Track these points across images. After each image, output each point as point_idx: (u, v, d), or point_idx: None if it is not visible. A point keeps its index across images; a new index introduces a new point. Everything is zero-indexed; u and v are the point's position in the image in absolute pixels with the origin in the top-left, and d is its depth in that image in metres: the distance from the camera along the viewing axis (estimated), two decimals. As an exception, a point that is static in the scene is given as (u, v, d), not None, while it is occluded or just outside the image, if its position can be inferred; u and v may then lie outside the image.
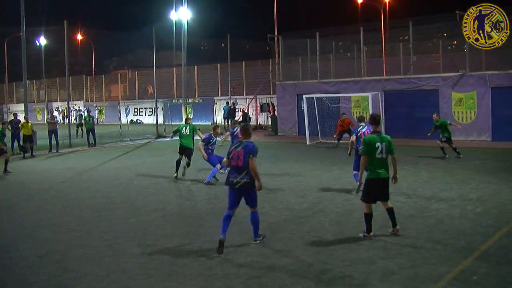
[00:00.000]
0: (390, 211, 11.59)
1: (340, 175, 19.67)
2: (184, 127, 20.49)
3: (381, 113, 30.91)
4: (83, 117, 39.17)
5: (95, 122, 35.41)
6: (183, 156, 20.25)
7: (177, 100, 56.01)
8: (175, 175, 19.99)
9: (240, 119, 46.03)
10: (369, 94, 30.90)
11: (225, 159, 11.93)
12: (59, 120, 48.68)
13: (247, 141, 11.42)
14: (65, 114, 59.53)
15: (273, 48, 44.62)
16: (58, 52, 76.39)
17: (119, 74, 75.08)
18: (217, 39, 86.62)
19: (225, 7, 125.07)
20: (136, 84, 67.08)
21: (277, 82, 40.86)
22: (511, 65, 30.65)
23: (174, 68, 60.92)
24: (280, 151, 27.91)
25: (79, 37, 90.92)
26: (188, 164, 20.16)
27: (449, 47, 41.24)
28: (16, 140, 30.87)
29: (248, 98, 49.51)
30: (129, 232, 12.47)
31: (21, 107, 52.53)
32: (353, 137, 16.98)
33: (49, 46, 76.22)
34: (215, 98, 53.34)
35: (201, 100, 55.68)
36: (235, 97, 51.00)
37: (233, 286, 8.97)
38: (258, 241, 11.41)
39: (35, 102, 76.66)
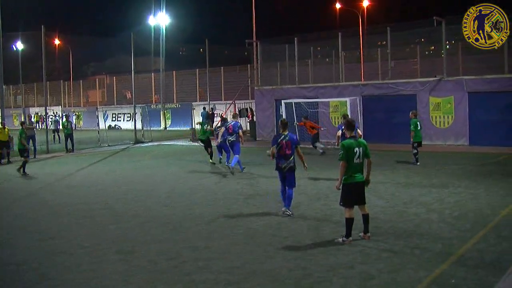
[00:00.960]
0: (366, 217, 11.70)
1: (318, 179, 19.73)
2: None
3: (359, 118, 31.13)
4: (61, 123, 39.00)
5: (73, 128, 35.22)
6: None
7: (156, 106, 55.87)
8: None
9: (219, 124, 46.07)
10: (347, 99, 31.00)
11: (272, 149, 14.28)
12: (37, 126, 48.28)
13: (290, 133, 14.41)
14: (36, 120, 59.20)
15: (251, 53, 44.77)
16: (36, 57, 75.88)
17: (97, 80, 74.73)
18: (196, 45, 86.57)
19: (203, 12, 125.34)
20: (114, 89, 66.85)
21: (255, 87, 40.89)
22: (488, 70, 30.91)
23: (153, 74, 60.80)
24: (260, 157, 27.90)
25: (57, 42, 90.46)
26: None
27: (426, 52, 41.57)
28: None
29: (227, 103, 49.50)
30: (108, 238, 12.42)
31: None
32: (339, 132, 18.91)
33: (26, 51, 75.76)
34: (193, 103, 53.25)
35: (179, 106, 55.60)
36: (214, 102, 50.97)
37: (213, 292, 8.97)
38: (288, 213, 14.09)
39: (12, 107, 76.10)
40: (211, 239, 12.09)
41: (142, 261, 10.72)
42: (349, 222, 11.48)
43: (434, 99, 31.46)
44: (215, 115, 48.01)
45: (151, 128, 43.75)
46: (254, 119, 40.86)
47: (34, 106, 71.84)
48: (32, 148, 31.27)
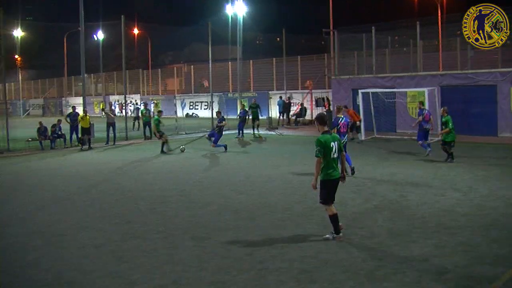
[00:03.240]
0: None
1: (393, 171, 19.50)
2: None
3: (436, 109, 30.54)
4: (140, 111, 39.75)
5: (151, 116, 35.79)
6: None
7: (233, 94, 56.22)
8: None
9: (297, 111, 46.14)
10: (425, 89, 30.51)
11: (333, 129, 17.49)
12: (116, 113, 49.26)
13: (343, 116, 19.00)
14: (102, 107, 60.62)
15: (328, 42, 44.46)
16: (115, 46, 77.49)
17: (175, 68, 75.70)
18: (273, 34, 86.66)
19: (280, 1, 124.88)
20: (192, 78, 67.52)
21: (332, 77, 40.68)
22: None
23: (230, 62, 61.11)
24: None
25: (136, 31, 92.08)
26: None
27: (508, 41, 40.39)
28: (74, 132, 31.57)
29: (303, 92, 49.40)
30: (183, 224, 12.61)
31: (79, 100, 53.58)
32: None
33: (107, 40, 77.37)
34: (270, 92, 53.35)
35: (256, 94, 55.77)
36: (290, 91, 50.93)
37: (284, 281, 8.99)
38: (353, 168, 18.56)
39: (93, 95, 77.96)
40: (285, 228, 12.12)
41: (216, 247, 10.84)
42: (334, 218, 11.17)
43: (516, 89, 30.61)
44: (292, 104, 47.94)
45: (228, 117, 44.05)
46: (331, 109, 40.65)
47: (114, 94, 73.35)
48: (112, 135, 32.07)
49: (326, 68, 47.15)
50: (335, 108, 20.64)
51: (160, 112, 30.72)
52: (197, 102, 62.22)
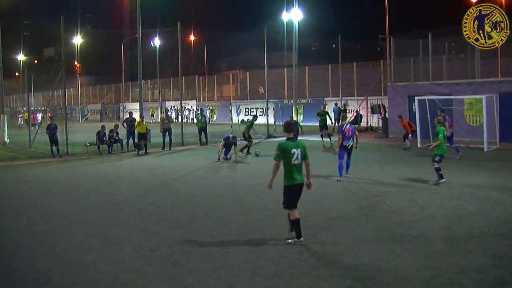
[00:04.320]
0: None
1: (449, 180, 19.20)
2: None
3: (495, 116, 30.02)
4: (196, 116, 40.08)
5: (207, 121, 36.07)
6: None
7: (288, 101, 56.24)
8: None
9: (353, 119, 45.92)
10: (483, 97, 29.98)
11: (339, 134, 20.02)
12: (173, 119, 49.77)
13: (349, 123, 20.21)
14: (151, 113, 61.22)
15: (384, 48, 44.08)
16: (172, 52, 78.41)
17: (230, 74, 76.11)
18: (328, 40, 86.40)
19: (336, 7, 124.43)
20: (248, 84, 67.76)
21: (388, 84, 40.35)
22: None
23: (285, 69, 61.17)
24: (390, 154, 27.58)
25: (192, 37, 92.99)
26: None
27: None
28: (131, 137, 32.06)
29: (359, 99, 49.13)
30: (238, 229, 12.68)
31: (136, 105, 54.33)
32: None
33: (163, 46, 78.37)
34: (325, 99, 53.21)
35: (311, 101, 55.68)
36: (346, 98, 50.72)
37: (339, 288, 8.98)
38: (341, 179, 19.45)
39: (149, 101, 78.93)
40: (339, 235, 12.08)
41: (270, 253, 10.87)
42: (297, 222, 11.41)
43: None
44: (348, 111, 47.74)
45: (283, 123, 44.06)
46: (387, 116, 40.33)
47: (170, 100, 74.20)
48: (168, 140, 32.44)
49: (382, 74, 46.78)
50: (342, 115, 22.39)
51: (255, 117, 31.57)
52: (253, 108, 62.40)
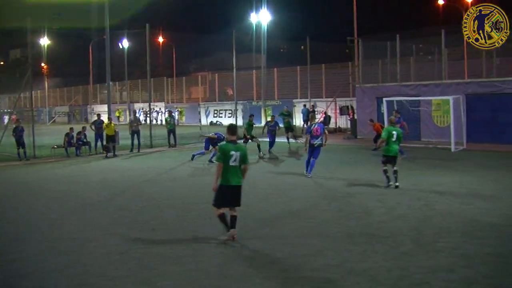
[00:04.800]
0: (235, 218, 11.87)
1: (417, 180, 19.38)
2: None
3: (462, 117, 30.34)
4: (164, 118, 39.88)
5: (176, 124, 35.91)
6: None
7: (257, 102, 56.27)
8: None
9: (321, 119, 46.05)
10: (450, 98, 30.29)
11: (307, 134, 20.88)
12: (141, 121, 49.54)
13: (318, 122, 21.17)
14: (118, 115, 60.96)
15: (352, 50, 44.35)
16: (140, 54, 77.97)
17: (199, 76, 75.94)
18: (297, 42, 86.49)
19: (304, 10, 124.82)
20: (216, 86, 67.65)
21: (356, 85, 40.57)
22: None
23: (254, 70, 61.19)
24: (359, 155, 27.73)
25: (161, 39, 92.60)
26: None
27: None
28: (99, 139, 31.83)
29: (328, 100, 49.30)
30: (208, 232, 12.61)
31: (104, 107, 53.96)
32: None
33: (132, 48, 77.93)
34: (294, 100, 53.30)
35: (280, 103, 55.74)
36: (315, 99, 50.86)
37: (310, 290, 8.99)
38: (309, 176, 20.28)
39: (118, 103, 78.42)
40: (309, 236, 12.10)
41: (239, 255, 10.86)
42: (221, 217, 11.89)
43: (542, 98, 30.28)
44: (316, 112, 47.88)
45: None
46: (355, 117, 40.54)
47: (138, 102, 73.75)
48: (137, 142, 32.27)
49: (350, 76, 47.01)
50: (310, 116, 23.46)
51: (251, 116, 30.66)
52: (221, 110, 62.34)
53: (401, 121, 25.56)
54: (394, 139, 18.04)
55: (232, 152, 11.70)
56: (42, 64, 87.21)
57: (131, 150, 32.18)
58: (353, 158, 26.64)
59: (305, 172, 20.88)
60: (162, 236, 12.51)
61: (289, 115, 34.50)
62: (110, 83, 39.68)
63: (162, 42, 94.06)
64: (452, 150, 28.14)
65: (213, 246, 11.53)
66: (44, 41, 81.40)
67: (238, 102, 45.92)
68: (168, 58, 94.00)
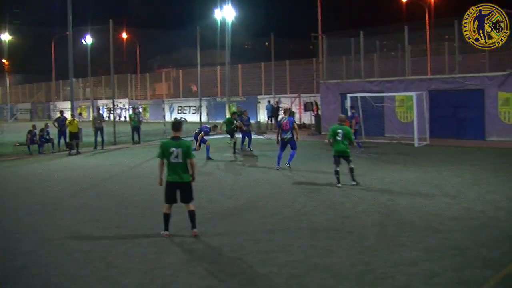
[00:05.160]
0: (191, 213, 12.07)
1: (381, 175, 19.55)
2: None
3: (425, 113, 30.65)
4: (128, 115, 39.61)
5: (140, 121, 35.67)
6: None
7: (221, 99, 56.20)
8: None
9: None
10: (413, 94, 30.58)
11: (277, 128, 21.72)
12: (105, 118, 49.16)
13: (289, 117, 21.37)
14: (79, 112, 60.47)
15: (317, 47, 44.48)
16: (104, 50, 77.27)
17: (163, 73, 75.54)
18: (261, 38, 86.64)
19: (269, 6, 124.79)
20: (181, 82, 67.42)
21: (320, 81, 40.70)
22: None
23: (218, 67, 61.10)
24: (323, 151, 27.82)
25: (124, 36, 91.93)
26: None
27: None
28: (62, 137, 31.50)
29: (292, 97, 49.43)
30: (172, 229, 12.55)
31: (67, 104, 53.41)
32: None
33: (95, 45, 77.18)
34: (258, 96, 53.32)
35: (244, 99, 55.74)
36: (279, 95, 50.93)
37: (274, 286, 9.00)
38: (288, 166, 21.26)
39: (81, 100, 77.67)
40: (274, 232, 12.12)
41: (205, 252, 10.85)
42: (166, 217, 12.07)
43: (503, 94, 30.68)
44: (281, 108, 47.99)
45: (217, 121, 44.07)
46: (320, 113, 40.69)
47: (102, 99, 73.16)
48: (100, 139, 31.99)
49: (314, 72, 47.18)
50: (283, 110, 24.36)
51: (234, 114, 30.31)
52: (186, 106, 62.14)
53: (355, 116, 27.19)
54: (340, 137, 17.77)
55: (173, 149, 11.82)
56: (3, 60, 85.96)
57: (95, 148, 31.88)
58: (317, 154, 26.72)
59: (276, 166, 21.63)
60: (126, 234, 12.43)
61: (242, 115, 29.84)
62: (73, 79, 39.26)
63: (126, 38, 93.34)
64: (416, 145, 28.44)
65: (178, 243, 11.49)
66: (5, 37, 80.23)
67: (203, 98, 45.81)
68: (132, 55, 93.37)
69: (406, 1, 66.16)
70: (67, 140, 30.78)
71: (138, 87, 72.62)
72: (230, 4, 49.86)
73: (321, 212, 14.01)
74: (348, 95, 32.55)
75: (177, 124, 12.40)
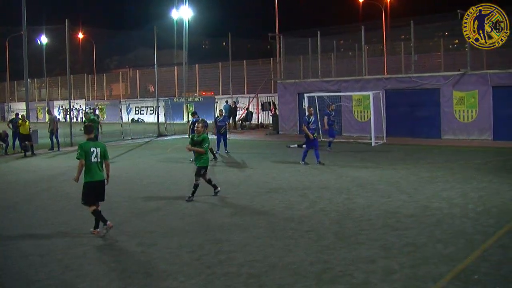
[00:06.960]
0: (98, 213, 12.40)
1: (339, 174, 19.68)
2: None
3: (382, 112, 30.95)
4: (87, 116, 39.20)
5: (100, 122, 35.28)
6: None
7: (179, 99, 55.98)
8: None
9: (243, 116, 46.21)
10: (370, 93, 30.85)
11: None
12: (60, 119, 48.60)
13: (224, 116, 26.81)
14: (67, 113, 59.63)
15: (274, 46, 44.63)
16: (60, 51, 76.35)
17: (120, 73, 74.98)
18: (219, 38, 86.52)
19: (226, 6, 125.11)
20: (138, 82, 67.00)
21: (278, 81, 40.81)
22: (513, 64, 30.61)
23: (176, 67, 60.86)
24: (281, 150, 27.90)
25: (80, 35, 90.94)
26: None
27: (450, 46, 41.19)
28: (17, 138, 30.96)
29: (249, 97, 49.47)
30: (131, 231, 12.46)
31: (22, 105, 52.62)
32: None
33: (50, 45, 76.24)
34: (216, 96, 53.26)
35: (202, 99, 55.62)
36: (236, 95, 50.94)
37: (233, 286, 8.97)
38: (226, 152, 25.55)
39: (37, 100, 76.57)
40: (233, 232, 12.10)
41: (163, 253, 10.75)
42: (96, 213, 12.36)
43: (457, 93, 31.17)
44: (238, 108, 48.03)
45: (174, 121, 43.86)
46: (277, 113, 40.79)
47: (58, 99, 72.27)
48: (56, 141, 31.56)
49: (272, 72, 47.30)
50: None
51: (194, 114, 26.92)
52: (143, 107, 61.76)
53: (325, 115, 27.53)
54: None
55: (93, 149, 12.28)
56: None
57: (51, 149, 31.45)
58: (274, 153, 26.77)
59: (215, 150, 25.48)
60: (83, 236, 12.27)
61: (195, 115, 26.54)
62: (28, 80, 38.70)
63: (82, 38, 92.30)
64: (372, 144, 28.70)
65: (135, 245, 11.40)
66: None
67: (160, 98, 45.53)
68: (89, 55, 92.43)
69: (362, 2, 66.72)
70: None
71: (95, 88, 71.94)
72: (187, 4, 49.72)
73: (279, 212, 14.02)
74: (306, 95, 32.68)
75: (88, 127, 12.88)
